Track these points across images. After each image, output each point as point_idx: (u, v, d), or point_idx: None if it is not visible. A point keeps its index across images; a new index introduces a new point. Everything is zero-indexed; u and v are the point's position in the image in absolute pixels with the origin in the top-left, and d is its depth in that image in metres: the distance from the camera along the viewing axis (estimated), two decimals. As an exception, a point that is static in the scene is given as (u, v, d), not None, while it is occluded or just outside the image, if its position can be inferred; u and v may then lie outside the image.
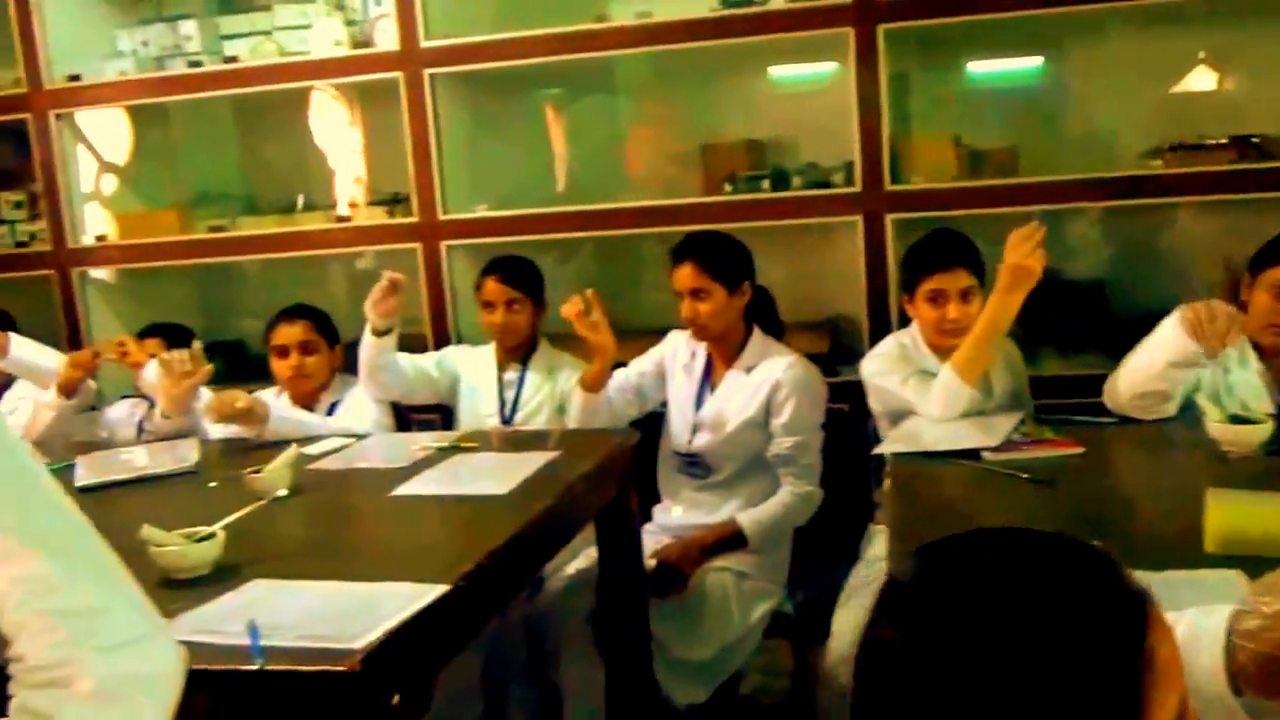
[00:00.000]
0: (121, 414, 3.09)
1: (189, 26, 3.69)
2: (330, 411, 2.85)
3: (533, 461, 2.28)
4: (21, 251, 3.81)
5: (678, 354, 2.87)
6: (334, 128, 3.77)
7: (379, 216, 3.57)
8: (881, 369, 2.61)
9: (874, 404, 2.67)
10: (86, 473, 2.38)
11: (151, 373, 2.80)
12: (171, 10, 3.79)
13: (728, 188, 3.37)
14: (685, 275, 2.70)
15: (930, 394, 2.44)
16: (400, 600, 1.59)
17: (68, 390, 2.85)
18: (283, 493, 2.16)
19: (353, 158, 3.80)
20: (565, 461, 2.30)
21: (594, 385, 2.73)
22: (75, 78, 3.62)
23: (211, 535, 1.81)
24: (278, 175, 3.91)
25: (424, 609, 1.57)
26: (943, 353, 2.53)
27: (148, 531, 1.78)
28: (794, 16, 3.17)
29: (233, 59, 3.52)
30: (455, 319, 3.43)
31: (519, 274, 2.95)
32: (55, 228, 3.70)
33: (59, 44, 3.64)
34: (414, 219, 3.42)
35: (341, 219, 3.54)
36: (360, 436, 2.70)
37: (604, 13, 3.35)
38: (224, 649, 1.43)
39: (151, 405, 2.97)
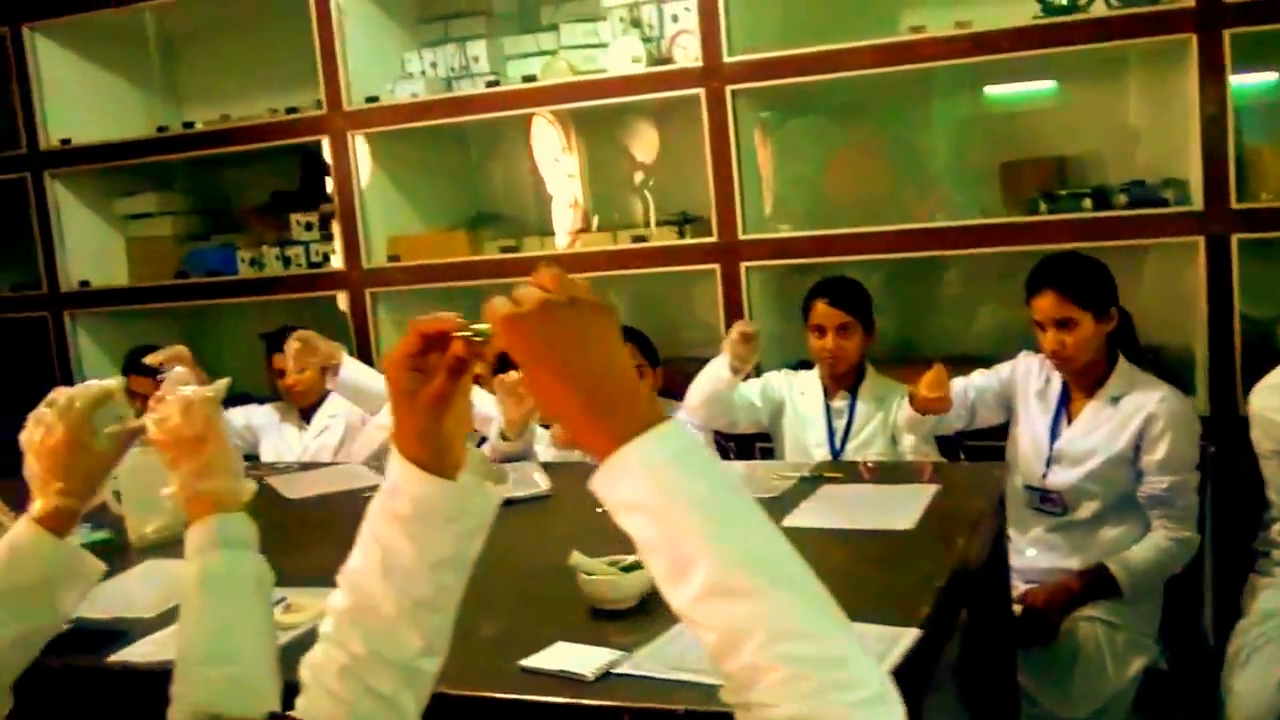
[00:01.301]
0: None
1: (478, 47, 3.72)
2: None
3: (919, 494, 2.12)
4: (314, 272, 3.89)
5: (1030, 378, 2.67)
6: (624, 147, 3.74)
7: (669, 237, 3.50)
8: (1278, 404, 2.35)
9: (1262, 441, 2.41)
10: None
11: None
12: (459, 33, 3.81)
13: (1043, 206, 3.16)
14: (1047, 304, 2.50)
15: None
16: (880, 643, 1.45)
17: None
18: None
19: (641, 177, 3.75)
20: (952, 494, 2.14)
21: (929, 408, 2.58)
22: (373, 99, 3.68)
23: (638, 565, 1.71)
24: (572, 195, 3.87)
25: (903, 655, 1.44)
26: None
27: (578, 559, 1.70)
28: (1134, 22, 2.94)
29: (531, 78, 3.50)
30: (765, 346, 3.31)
31: (849, 297, 2.81)
32: (349, 248, 3.76)
33: (355, 67, 3.71)
34: (712, 239, 3.32)
35: (637, 239, 3.47)
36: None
37: (919, 23, 3.19)
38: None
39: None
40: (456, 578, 0.96)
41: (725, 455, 2.95)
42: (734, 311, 3.29)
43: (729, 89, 3.23)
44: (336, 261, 3.83)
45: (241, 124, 3.93)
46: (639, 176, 3.75)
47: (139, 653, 1.65)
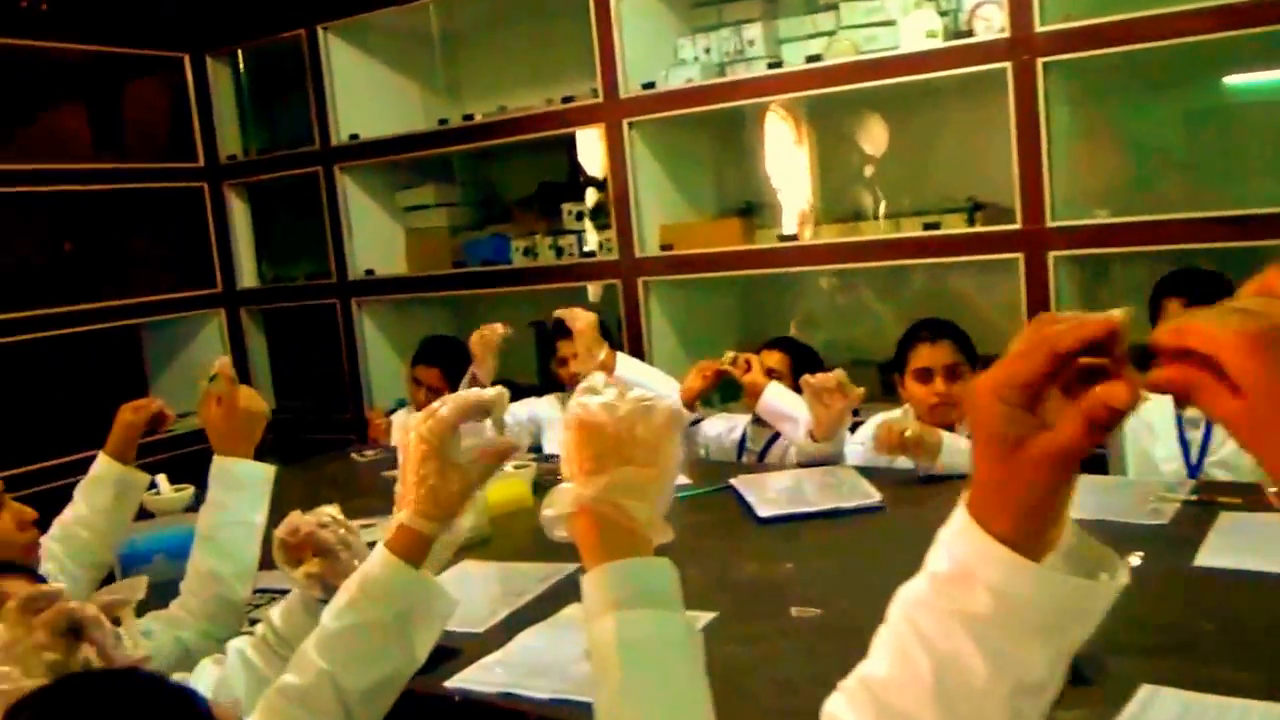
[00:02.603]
0: (722, 428, 2.99)
1: (753, 30, 3.59)
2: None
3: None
4: (586, 261, 3.89)
5: None
6: (904, 130, 3.52)
7: (957, 225, 3.26)
8: None
9: None
10: (758, 501, 2.23)
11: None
12: (733, 17, 3.70)
13: None
14: None
15: None
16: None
17: (690, 400, 2.78)
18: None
19: (923, 161, 3.53)
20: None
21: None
22: (650, 85, 3.62)
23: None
24: (839, 182, 3.70)
25: None
26: None
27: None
28: None
29: (816, 58, 3.34)
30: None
31: (1209, 292, 2.49)
32: (623, 237, 3.73)
33: (631, 55, 3.66)
34: (1015, 226, 3.06)
35: (929, 226, 3.25)
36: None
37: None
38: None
39: (755, 421, 2.84)
40: (1035, 709, 0.67)
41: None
42: (1038, 305, 3.02)
43: (1040, 61, 2.96)
44: (602, 250, 3.82)
45: (517, 114, 3.97)
46: (919, 161, 3.52)
47: (478, 680, 1.55)
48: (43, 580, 1.32)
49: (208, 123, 4.74)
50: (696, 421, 2.98)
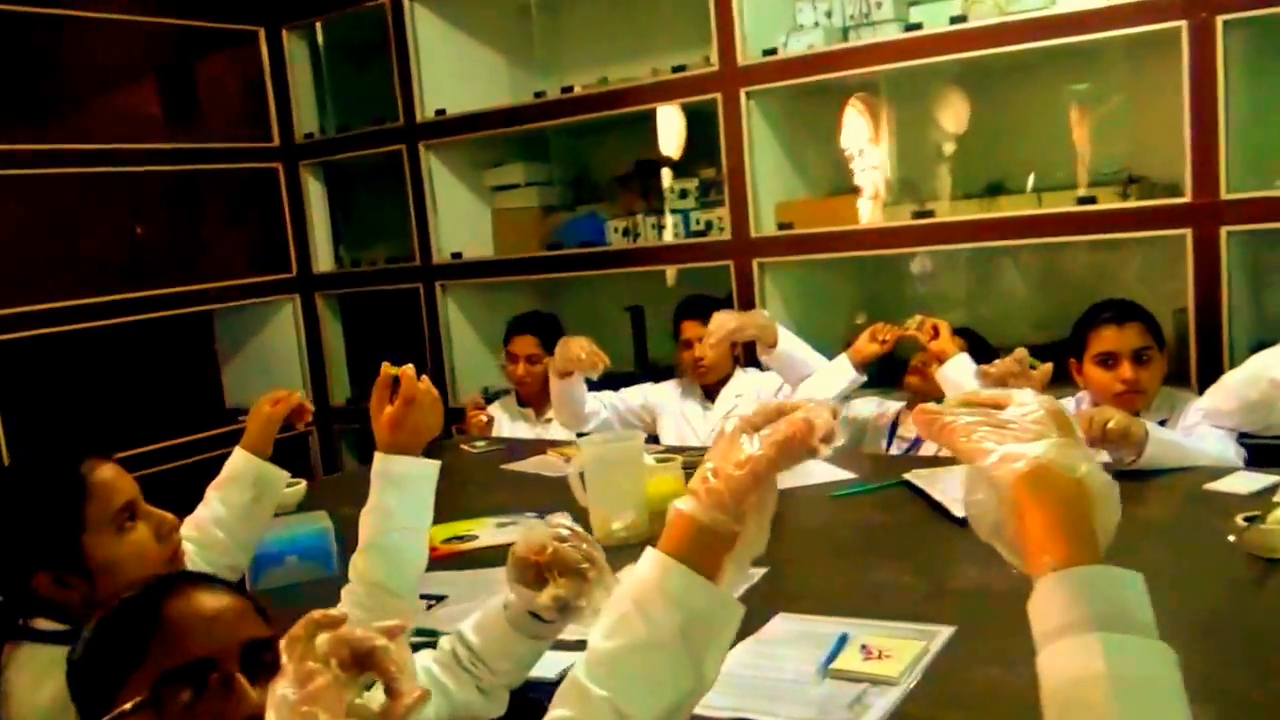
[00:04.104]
0: (873, 410, 2.77)
1: (881, -7, 3.35)
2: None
3: None
4: (697, 241, 3.66)
5: None
6: (1039, 99, 3.28)
7: (1111, 200, 3.01)
8: None
9: None
10: (951, 501, 1.99)
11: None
12: (856, -22, 3.45)
13: None
14: None
15: None
16: None
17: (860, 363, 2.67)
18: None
19: (1064, 133, 3.27)
20: None
21: None
22: (771, 51, 3.39)
23: None
24: (975, 155, 3.44)
25: None
26: None
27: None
28: None
29: (960, 19, 3.09)
30: (1228, 320, 2.78)
31: None
32: (737, 215, 3.49)
33: (749, 19, 3.43)
34: (1184, 199, 2.81)
35: (1083, 200, 3.00)
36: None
37: None
38: None
39: (910, 406, 2.62)
40: None
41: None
42: (1208, 284, 2.77)
43: (1219, 20, 2.70)
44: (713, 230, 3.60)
45: (622, 86, 3.74)
46: (1060, 133, 3.26)
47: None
48: (239, 590, 1.10)
49: (284, 100, 4.55)
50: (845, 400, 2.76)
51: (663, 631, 0.91)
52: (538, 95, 3.95)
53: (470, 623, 1.36)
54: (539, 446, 2.94)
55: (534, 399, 3.45)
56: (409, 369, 1.59)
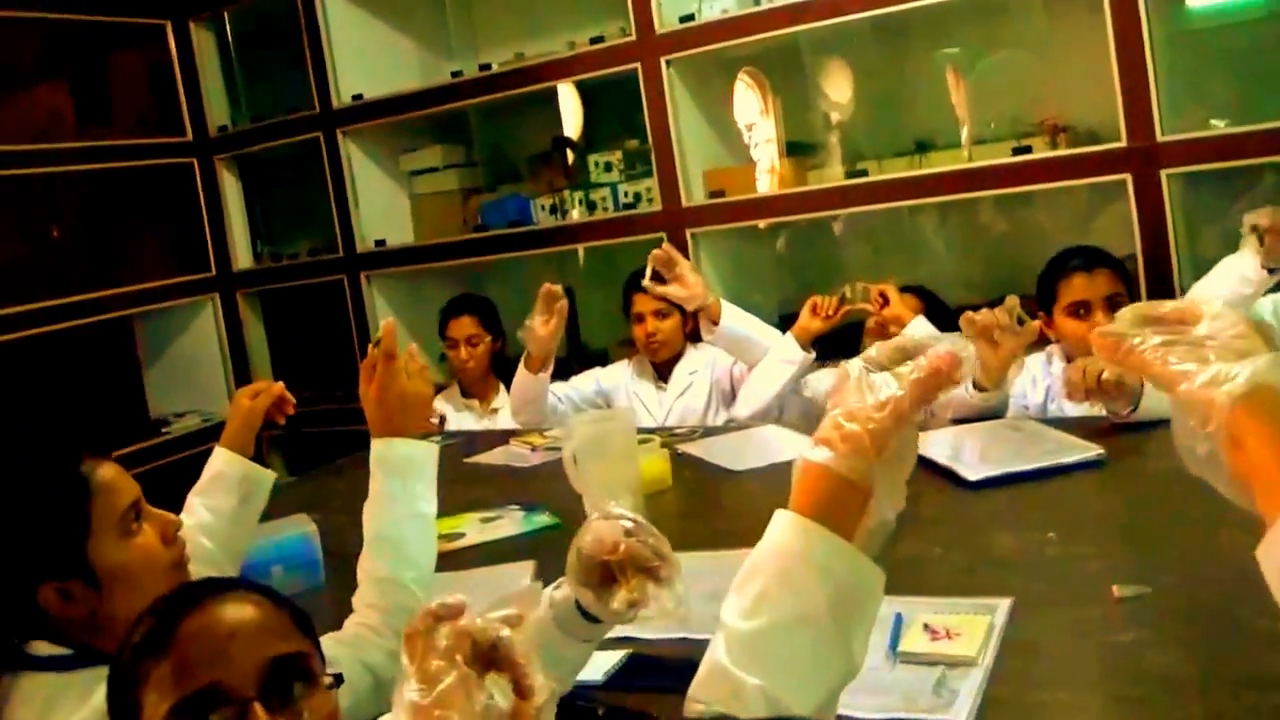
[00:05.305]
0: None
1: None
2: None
3: None
4: (626, 214, 3.55)
5: None
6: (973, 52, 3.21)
7: (1043, 150, 2.95)
8: None
9: None
10: (958, 464, 1.90)
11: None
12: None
13: None
14: None
15: None
16: None
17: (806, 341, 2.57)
18: None
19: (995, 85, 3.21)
20: None
21: None
22: (689, 18, 3.29)
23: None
24: (898, 112, 3.38)
25: None
26: None
27: None
28: None
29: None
30: (1179, 266, 2.74)
31: None
32: (667, 186, 3.39)
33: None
34: (1119, 144, 2.75)
35: (1018, 150, 2.93)
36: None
37: None
38: None
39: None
40: None
41: None
42: (1152, 232, 2.72)
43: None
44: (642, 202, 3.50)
45: (539, 60, 3.62)
46: (986, 85, 3.20)
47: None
48: (272, 595, 0.97)
49: (194, 93, 4.36)
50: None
51: (813, 605, 0.79)
52: (455, 75, 3.81)
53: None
54: (496, 437, 2.82)
55: (477, 387, 3.31)
56: (389, 323, 1.48)
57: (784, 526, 0.82)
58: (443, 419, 3.16)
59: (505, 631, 0.72)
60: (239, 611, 0.92)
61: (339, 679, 0.94)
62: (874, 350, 0.86)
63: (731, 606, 0.82)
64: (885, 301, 2.48)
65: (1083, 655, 1.22)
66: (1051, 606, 1.35)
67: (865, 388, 0.82)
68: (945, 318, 2.67)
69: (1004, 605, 1.34)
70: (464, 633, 0.71)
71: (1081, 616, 1.30)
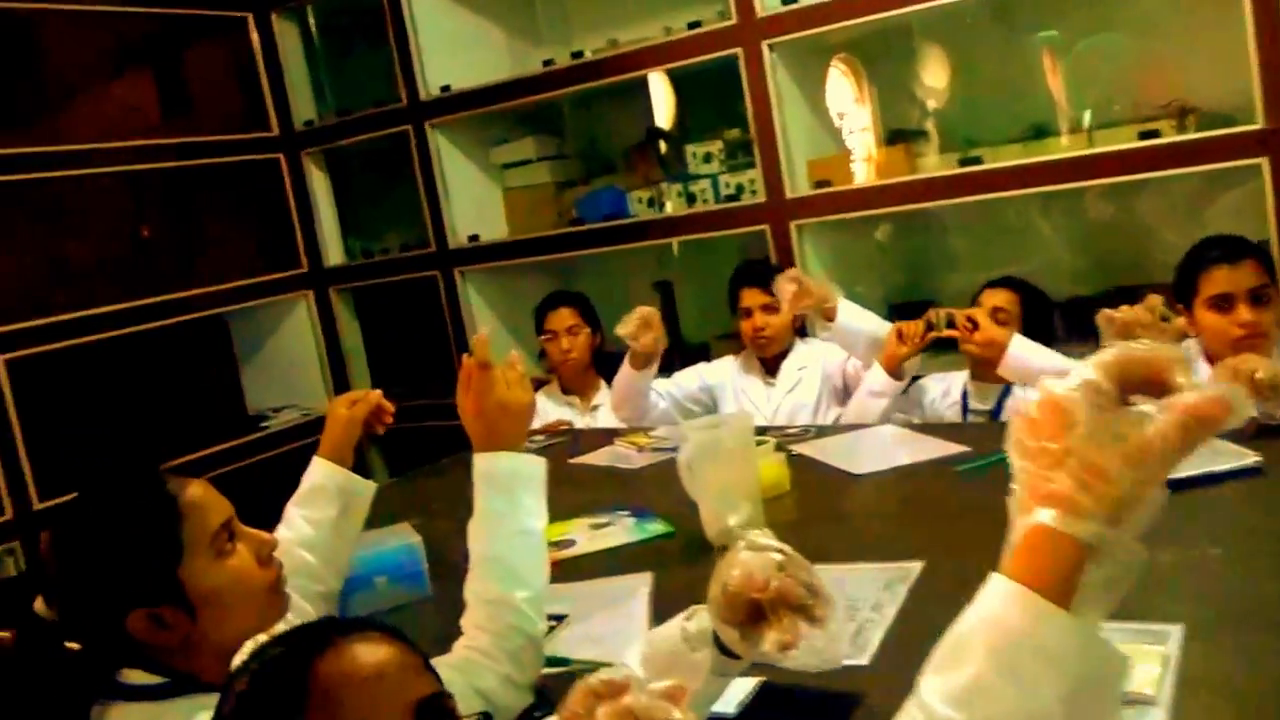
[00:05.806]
0: (939, 389, 2.59)
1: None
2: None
3: None
4: (728, 207, 3.47)
5: None
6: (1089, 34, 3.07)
7: (1170, 133, 2.80)
8: None
9: None
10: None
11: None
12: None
13: None
14: None
15: None
16: None
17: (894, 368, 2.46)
18: None
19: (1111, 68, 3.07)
20: None
21: None
22: (791, 0, 3.18)
23: None
24: (1016, 96, 3.24)
25: None
26: None
27: None
28: None
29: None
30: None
31: None
32: (771, 177, 3.30)
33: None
34: (1255, 126, 2.61)
35: (1146, 135, 2.80)
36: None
37: None
38: None
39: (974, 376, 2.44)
40: None
41: None
42: (1290, 219, 2.58)
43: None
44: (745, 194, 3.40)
45: (633, 47, 3.54)
46: (1101, 69, 3.06)
47: None
48: (398, 635, 0.88)
49: (279, 87, 4.36)
50: (915, 379, 2.59)
51: (1041, 704, 0.66)
52: (546, 64, 3.75)
53: (630, 654, 1.15)
54: (600, 437, 2.78)
55: (577, 383, 3.26)
56: (482, 334, 1.44)
57: (1008, 599, 0.67)
58: (570, 426, 3.14)
59: (676, 713, 0.65)
60: (376, 651, 0.83)
61: (487, 717, 0.89)
62: (1109, 359, 0.68)
63: (934, 688, 0.68)
64: (975, 326, 2.36)
65: (1268, 690, 1.12)
66: (1226, 633, 1.25)
67: (1113, 421, 0.66)
68: (1045, 312, 2.57)
69: (1175, 632, 1.23)
70: (626, 713, 0.64)
71: (1257, 645, 1.21)
